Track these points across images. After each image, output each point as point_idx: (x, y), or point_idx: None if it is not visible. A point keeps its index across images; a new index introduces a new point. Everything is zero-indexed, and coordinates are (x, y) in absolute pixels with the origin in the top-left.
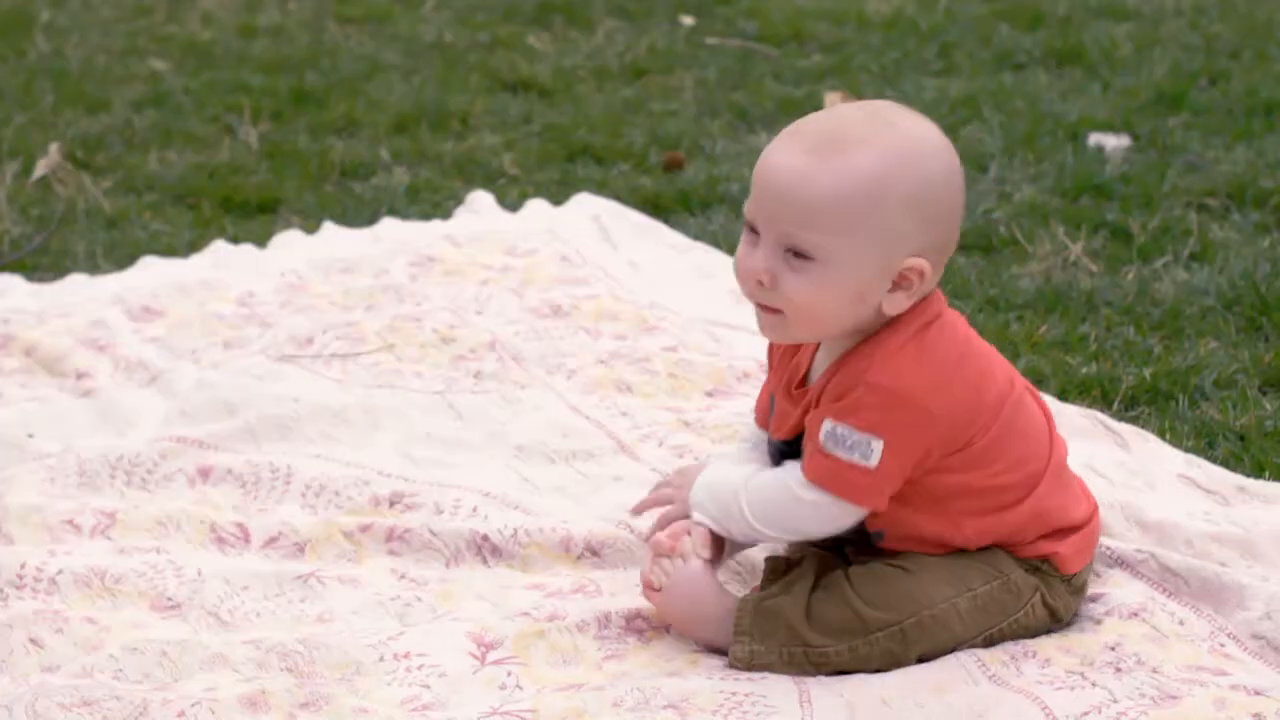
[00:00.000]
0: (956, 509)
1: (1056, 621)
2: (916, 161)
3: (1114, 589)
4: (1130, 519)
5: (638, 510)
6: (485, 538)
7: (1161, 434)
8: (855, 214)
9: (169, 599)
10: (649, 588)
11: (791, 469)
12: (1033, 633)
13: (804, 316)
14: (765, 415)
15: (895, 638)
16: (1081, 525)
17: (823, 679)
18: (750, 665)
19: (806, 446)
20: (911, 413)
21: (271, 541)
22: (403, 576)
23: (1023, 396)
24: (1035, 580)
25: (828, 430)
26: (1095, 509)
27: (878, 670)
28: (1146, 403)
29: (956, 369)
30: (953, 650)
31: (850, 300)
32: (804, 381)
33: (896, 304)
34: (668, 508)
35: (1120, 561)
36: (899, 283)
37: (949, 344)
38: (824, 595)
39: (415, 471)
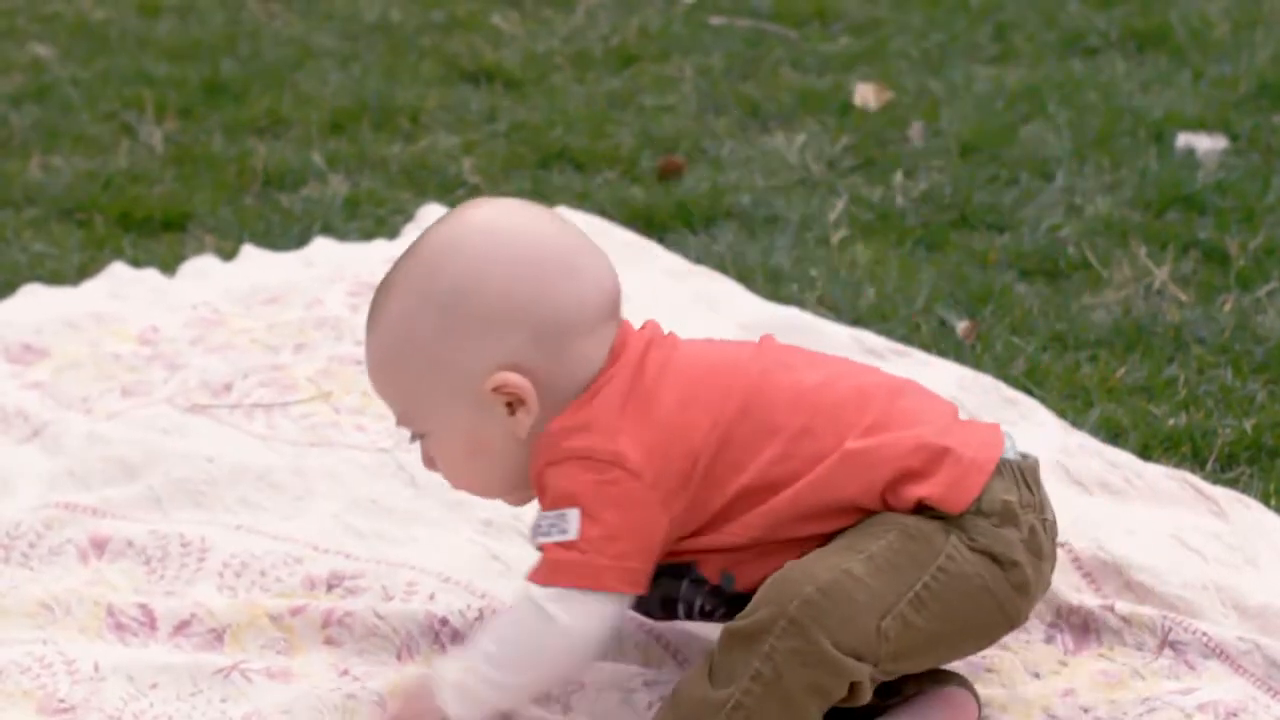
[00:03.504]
0: (748, 506)
1: (1003, 566)
2: (423, 288)
3: (1208, 684)
4: (1228, 603)
5: None
6: (444, 621)
7: (1265, 499)
8: (399, 378)
9: (61, 700)
10: None
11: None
12: (976, 585)
13: (471, 489)
14: None
15: (790, 633)
16: (939, 452)
17: None
18: None
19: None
20: (595, 472)
21: (182, 627)
22: (345, 672)
23: (764, 381)
24: (940, 524)
25: (530, 530)
26: (965, 435)
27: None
28: (1247, 461)
29: (627, 405)
30: (878, 627)
31: (472, 455)
32: None
33: (522, 424)
34: None
35: (1218, 652)
36: (509, 406)
37: (619, 393)
38: (712, 652)
39: (359, 546)
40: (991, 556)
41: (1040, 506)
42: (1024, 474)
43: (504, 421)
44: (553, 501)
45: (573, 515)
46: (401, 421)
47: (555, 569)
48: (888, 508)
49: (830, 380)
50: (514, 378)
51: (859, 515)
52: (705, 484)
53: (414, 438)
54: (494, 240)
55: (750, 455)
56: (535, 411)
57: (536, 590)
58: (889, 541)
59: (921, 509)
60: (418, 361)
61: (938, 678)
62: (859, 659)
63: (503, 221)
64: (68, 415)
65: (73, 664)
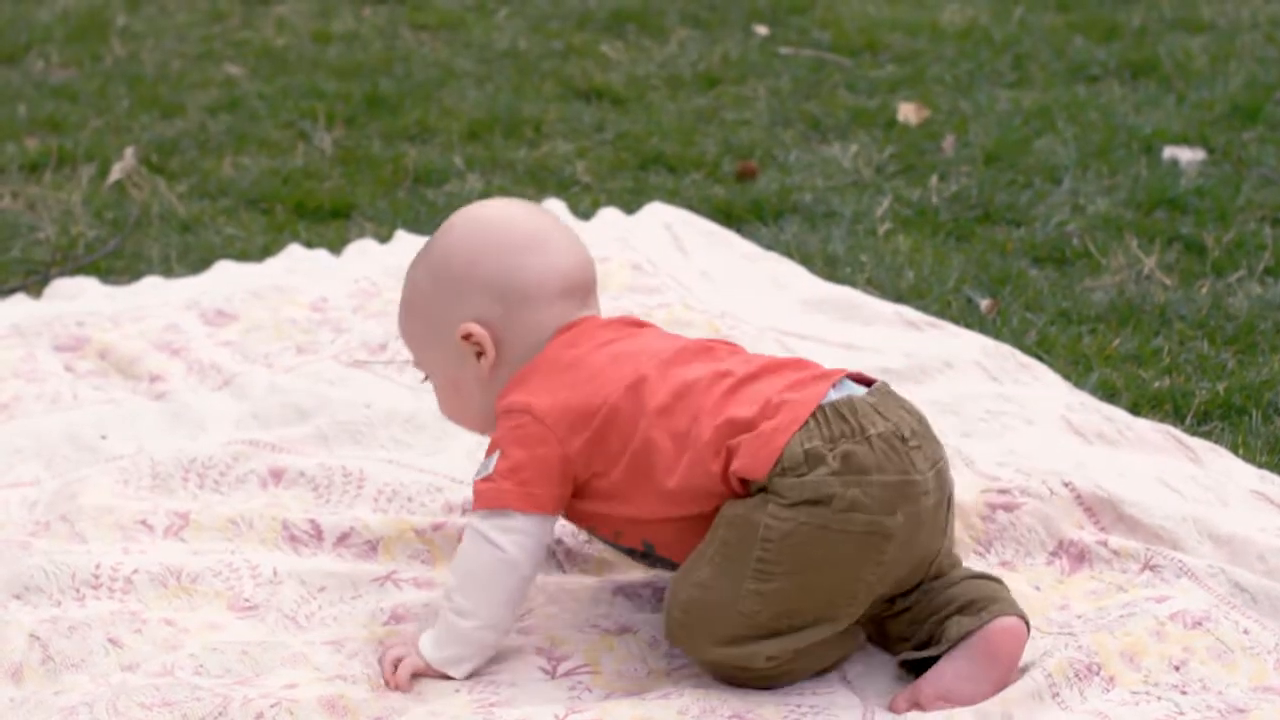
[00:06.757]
0: (638, 481)
1: (825, 503)
2: (423, 261)
3: (1179, 595)
4: (1203, 533)
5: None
6: (559, 541)
7: (1234, 449)
8: (409, 330)
9: (246, 600)
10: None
11: None
12: (807, 531)
13: (455, 419)
14: None
15: (684, 642)
16: (752, 425)
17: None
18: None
19: None
20: (510, 421)
21: (344, 539)
22: None
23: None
24: (754, 501)
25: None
26: (776, 407)
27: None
28: (1220, 418)
29: (547, 371)
30: (737, 610)
31: (455, 391)
32: None
33: (482, 369)
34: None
35: (1190, 574)
36: (478, 355)
37: (549, 361)
38: None
39: None
40: (809, 502)
41: (856, 431)
42: (838, 411)
43: (473, 367)
44: (487, 451)
45: (493, 457)
46: (415, 364)
47: (477, 497)
48: (729, 487)
49: (718, 374)
50: (476, 328)
51: (719, 499)
52: (601, 448)
53: (424, 378)
54: (475, 222)
55: (630, 432)
56: (492, 358)
57: (474, 519)
58: (718, 537)
59: (746, 483)
60: (418, 316)
61: (981, 610)
62: (742, 641)
63: (487, 209)
64: (252, 368)
65: (256, 569)
